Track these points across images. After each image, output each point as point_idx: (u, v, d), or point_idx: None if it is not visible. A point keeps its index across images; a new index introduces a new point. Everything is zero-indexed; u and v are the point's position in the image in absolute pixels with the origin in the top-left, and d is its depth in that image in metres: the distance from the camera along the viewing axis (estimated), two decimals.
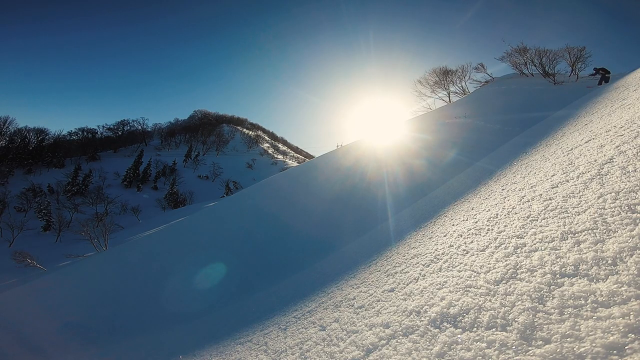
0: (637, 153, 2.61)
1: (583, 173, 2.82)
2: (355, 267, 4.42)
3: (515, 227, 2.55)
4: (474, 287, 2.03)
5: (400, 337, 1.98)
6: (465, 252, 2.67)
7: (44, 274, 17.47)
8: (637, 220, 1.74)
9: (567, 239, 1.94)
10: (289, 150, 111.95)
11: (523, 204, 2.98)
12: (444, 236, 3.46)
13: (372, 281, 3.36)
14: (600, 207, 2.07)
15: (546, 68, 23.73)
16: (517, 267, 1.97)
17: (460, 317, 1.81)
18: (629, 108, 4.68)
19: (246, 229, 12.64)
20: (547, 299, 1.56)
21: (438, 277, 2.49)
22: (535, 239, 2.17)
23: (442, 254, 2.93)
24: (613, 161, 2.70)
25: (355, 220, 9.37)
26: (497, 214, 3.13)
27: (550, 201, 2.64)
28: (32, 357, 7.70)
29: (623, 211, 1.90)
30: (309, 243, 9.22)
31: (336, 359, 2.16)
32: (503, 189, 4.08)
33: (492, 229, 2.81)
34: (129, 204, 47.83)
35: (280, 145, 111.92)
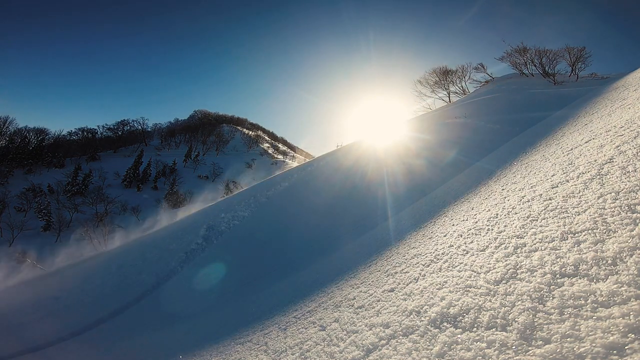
0: (637, 153, 2.61)
1: (583, 173, 2.83)
2: (355, 267, 4.42)
3: (515, 227, 2.55)
4: (474, 287, 2.03)
5: (400, 337, 1.98)
6: (465, 252, 2.67)
7: (44, 274, 17.47)
8: (637, 220, 1.74)
9: (567, 239, 1.94)
10: (289, 150, 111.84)
11: (523, 204, 2.98)
12: (444, 236, 3.46)
13: (372, 281, 3.36)
14: (600, 207, 2.08)
15: (546, 68, 23.76)
16: (517, 267, 1.97)
17: (460, 317, 1.81)
18: (629, 108, 4.68)
19: (246, 228, 12.65)
20: (547, 299, 1.56)
21: (438, 277, 2.49)
22: (535, 239, 2.17)
23: (442, 254, 2.93)
24: (613, 161, 2.70)
25: (355, 220, 9.37)
26: (497, 214, 3.13)
27: (550, 201, 2.64)
28: (32, 357, 7.70)
29: (623, 211, 1.90)
30: (308, 243, 9.22)
31: (336, 359, 2.16)
32: (503, 189, 4.08)
33: (492, 229, 2.81)
34: (129, 204, 47.82)
35: (280, 145, 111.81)
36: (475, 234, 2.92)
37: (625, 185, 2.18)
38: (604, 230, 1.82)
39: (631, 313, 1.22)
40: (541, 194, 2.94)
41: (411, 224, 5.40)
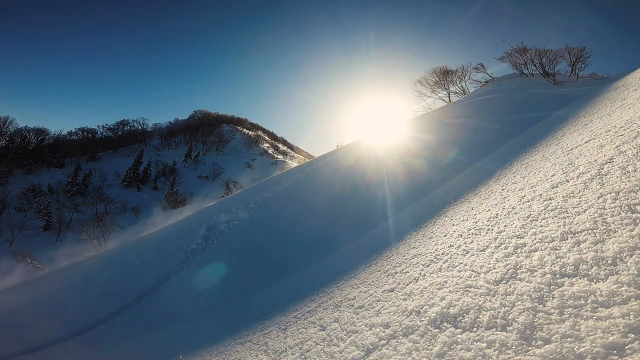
0: (637, 153, 2.61)
1: (583, 173, 2.83)
2: (355, 267, 4.42)
3: (515, 227, 2.55)
4: (474, 287, 2.03)
5: (400, 337, 1.98)
6: (465, 252, 2.67)
7: (44, 274, 17.48)
8: (637, 220, 1.74)
9: (567, 239, 1.94)
10: (289, 150, 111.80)
11: (523, 204, 2.98)
12: (444, 236, 3.46)
13: (372, 281, 3.36)
14: (600, 207, 2.08)
15: (546, 68, 23.75)
16: (517, 267, 1.97)
17: (460, 317, 1.81)
18: (629, 108, 4.69)
19: (246, 228, 12.64)
20: (547, 299, 1.56)
21: (438, 277, 2.49)
22: (535, 239, 2.17)
23: (442, 254, 2.93)
24: (613, 161, 2.70)
25: (355, 220, 9.37)
26: (497, 214, 3.13)
27: (550, 201, 2.64)
28: (32, 357, 7.70)
29: (623, 211, 1.90)
30: (308, 243, 9.22)
31: (336, 359, 2.16)
32: (503, 189, 4.08)
33: (492, 229, 2.81)
34: (129, 204, 47.79)
35: (280, 145, 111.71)
36: (475, 234, 2.92)
37: (625, 185, 2.18)
38: (604, 230, 1.82)
39: (631, 313, 1.22)
40: (541, 194, 2.94)
41: (411, 224, 5.40)
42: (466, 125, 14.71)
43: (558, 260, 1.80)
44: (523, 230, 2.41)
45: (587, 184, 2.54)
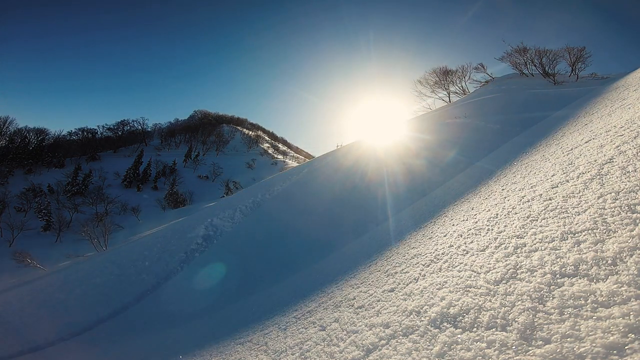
0: (637, 153, 2.61)
1: (583, 173, 2.83)
2: (355, 267, 4.42)
3: (515, 227, 2.55)
4: (474, 287, 2.02)
5: (400, 337, 1.97)
6: (465, 252, 2.67)
7: (44, 274, 17.46)
8: (637, 220, 1.74)
9: (567, 239, 1.94)
10: (289, 150, 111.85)
11: (523, 204, 2.98)
12: (444, 236, 3.46)
13: (372, 281, 3.35)
14: (600, 207, 2.07)
15: (546, 68, 23.74)
16: (517, 267, 1.96)
17: (460, 317, 1.81)
18: (629, 108, 4.69)
19: (246, 228, 12.64)
20: (547, 299, 1.56)
21: (438, 277, 2.49)
22: (535, 239, 2.17)
23: (442, 254, 2.93)
24: (613, 161, 2.70)
25: (355, 220, 9.37)
26: (497, 214, 3.13)
27: (550, 201, 2.64)
28: (32, 357, 7.69)
29: (623, 211, 1.90)
30: (308, 243, 9.22)
31: (336, 359, 2.16)
32: (503, 189, 4.08)
33: (492, 229, 2.81)
34: (129, 204, 47.76)
35: (280, 145, 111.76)
36: (475, 234, 2.92)
37: (625, 185, 2.18)
38: (604, 230, 1.82)
39: (631, 313, 1.22)
40: (541, 194, 2.94)
41: (411, 224, 5.39)
42: (466, 125, 14.70)
43: (558, 260, 1.80)
44: (523, 230, 2.40)
45: (587, 184, 2.54)
